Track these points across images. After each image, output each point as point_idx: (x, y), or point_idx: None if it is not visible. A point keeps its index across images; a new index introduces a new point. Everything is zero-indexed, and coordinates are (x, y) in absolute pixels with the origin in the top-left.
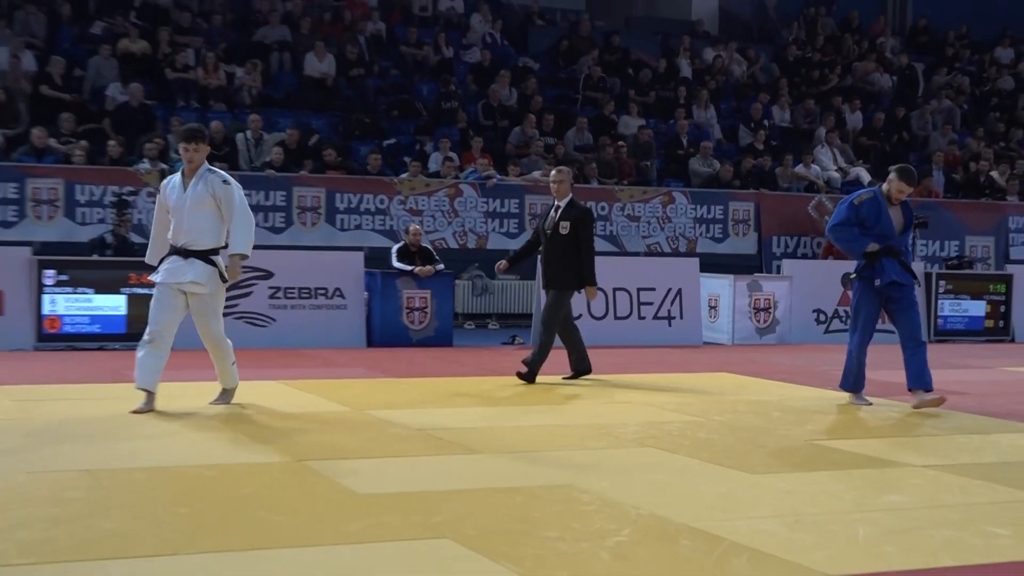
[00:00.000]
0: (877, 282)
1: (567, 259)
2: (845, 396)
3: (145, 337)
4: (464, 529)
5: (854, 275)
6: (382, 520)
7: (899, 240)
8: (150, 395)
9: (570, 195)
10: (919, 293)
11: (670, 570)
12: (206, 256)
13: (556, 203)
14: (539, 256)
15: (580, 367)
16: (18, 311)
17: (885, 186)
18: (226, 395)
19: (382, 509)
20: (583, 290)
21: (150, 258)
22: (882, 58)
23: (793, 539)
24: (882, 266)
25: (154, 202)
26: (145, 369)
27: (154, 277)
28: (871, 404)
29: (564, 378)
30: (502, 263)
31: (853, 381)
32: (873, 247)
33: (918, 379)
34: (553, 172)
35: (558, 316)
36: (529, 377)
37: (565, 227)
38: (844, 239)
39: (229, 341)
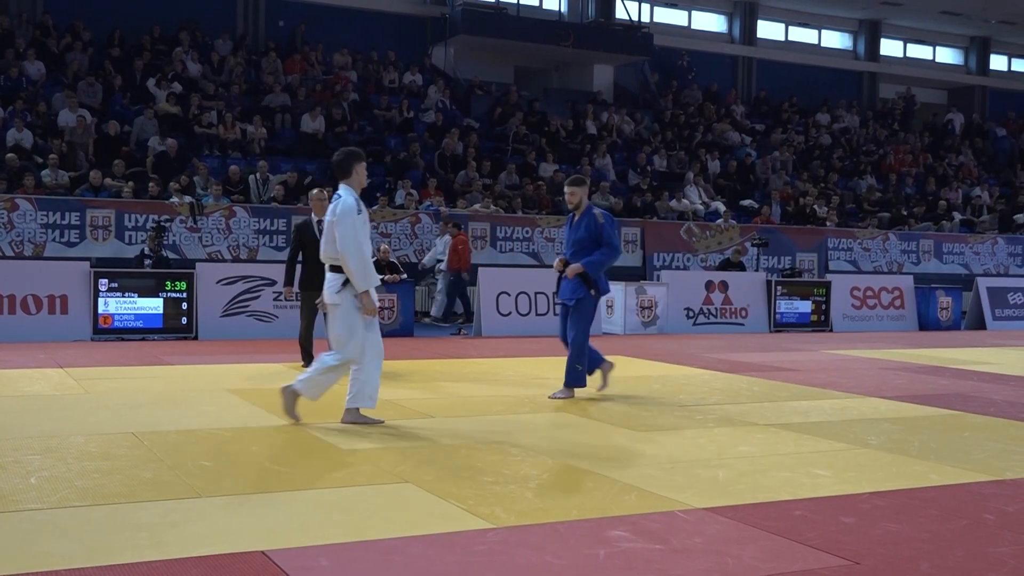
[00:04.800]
0: (558, 299)
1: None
2: (716, 375)
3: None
4: (422, 475)
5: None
6: (360, 469)
7: (574, 253)
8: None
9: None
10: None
11: (578, 505)
12: None
13: (318, 218)
14: (302, 264)
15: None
16: (79, 310)
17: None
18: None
19: (359, 461)
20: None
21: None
22: (734, 120)
23: (669, 480)
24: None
25: (187, 228)
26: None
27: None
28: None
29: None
30: (287, 290)
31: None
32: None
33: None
34: (316, 191)
35: None
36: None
37: None
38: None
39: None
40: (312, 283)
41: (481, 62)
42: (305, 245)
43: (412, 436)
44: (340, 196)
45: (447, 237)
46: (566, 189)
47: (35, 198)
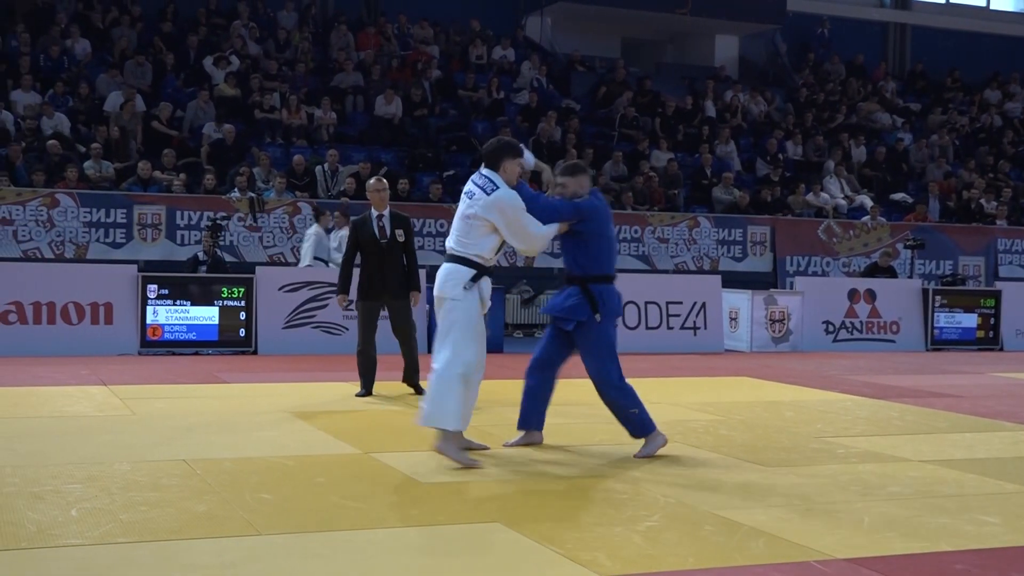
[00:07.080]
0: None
1: (400, 267)
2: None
3: None
4: (513, 514)
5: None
6: (441, 506)
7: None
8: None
9: (388, 205)
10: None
11: (695, 552)
12: None
13: (377, 213)
14: (361, 267)
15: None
16: (125, 321)
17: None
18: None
19: (441, 496)
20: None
21: None
22: (883, 99)
23: (805, 525)
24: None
25: (246, 227)
26: None
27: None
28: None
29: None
30: (340, 298)
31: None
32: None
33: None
34: (374, 181)
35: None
36: (420, 389)
37: (401, 235)
38: None
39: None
40: (372, 291)
41: (583, 33)
42: (363, 246)
43: (502, 468)
44: (492, 182)
45: None
46: (557, 179)
47: (77, 193)
